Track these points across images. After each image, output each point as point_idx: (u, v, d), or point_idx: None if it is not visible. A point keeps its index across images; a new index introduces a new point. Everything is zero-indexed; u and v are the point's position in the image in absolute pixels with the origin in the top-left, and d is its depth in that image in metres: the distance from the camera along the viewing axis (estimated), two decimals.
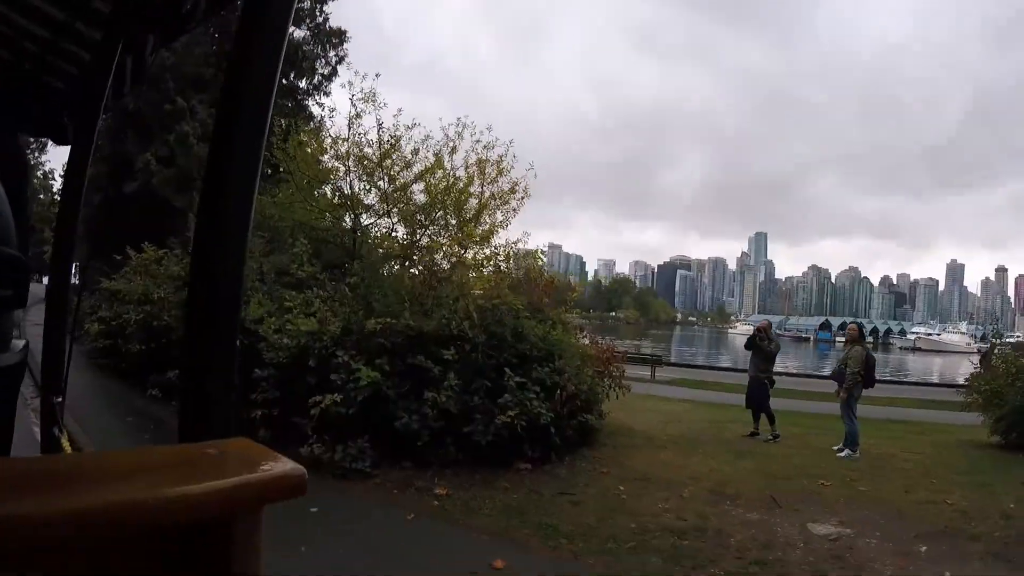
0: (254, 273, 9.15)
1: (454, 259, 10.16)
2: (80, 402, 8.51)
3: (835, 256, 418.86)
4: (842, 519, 6.12)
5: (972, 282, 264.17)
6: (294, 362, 7.28)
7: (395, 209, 10.96)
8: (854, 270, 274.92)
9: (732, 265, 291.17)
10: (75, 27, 2.34)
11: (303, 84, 20.85)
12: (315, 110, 20.21)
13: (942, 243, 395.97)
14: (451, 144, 11.07)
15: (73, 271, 2.96)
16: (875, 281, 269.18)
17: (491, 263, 10.23)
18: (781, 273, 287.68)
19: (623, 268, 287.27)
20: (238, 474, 0.81)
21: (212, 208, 1.17)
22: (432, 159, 11.03)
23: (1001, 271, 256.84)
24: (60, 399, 2.27)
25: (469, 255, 10.39)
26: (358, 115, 10.90)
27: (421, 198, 11.08)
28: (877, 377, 10.21)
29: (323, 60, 20.84)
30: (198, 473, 0.81)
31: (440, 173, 11.05)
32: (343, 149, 11.23)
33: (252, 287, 8.63)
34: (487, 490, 6.50)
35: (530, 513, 5.93)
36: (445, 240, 10.76)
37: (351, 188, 11.27)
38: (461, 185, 10.96)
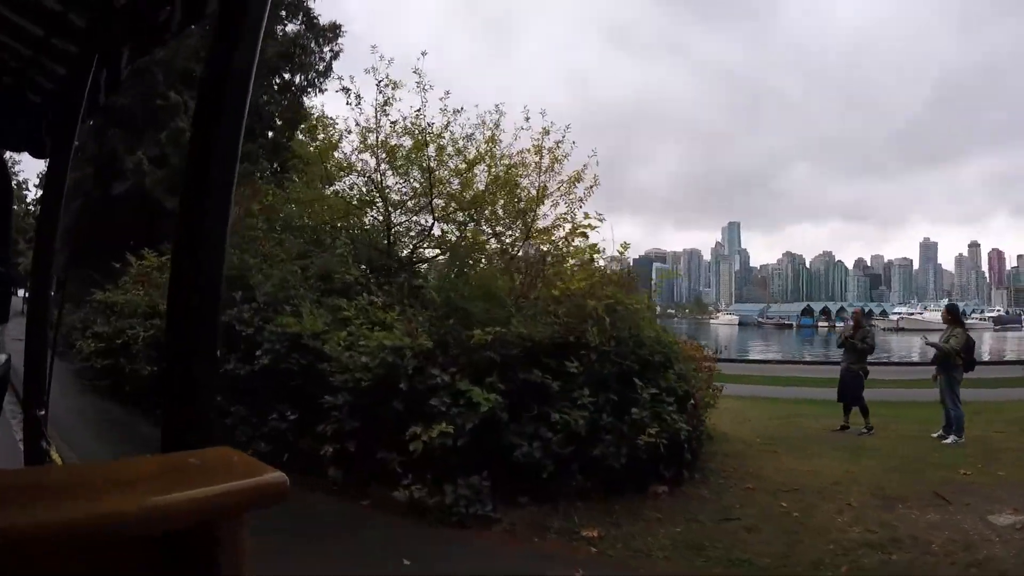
0: (296, 278, 8.09)
1: (542, 253, 8.76)
2: (82, 432, 7.89)
3: (809, 241, 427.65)
4: (1015, 507, 5.84)
5: (946, 259, 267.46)
6: (378, 385, 5.97)
7: (436, 203, 10.02)
8: (828, 254, 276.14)
9: (707, 256, 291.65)
10: (52, 42, 2.34)
11: (299, 79, 20.34)
12: (316, 102, 19.45)
13: (915, 222, 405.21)
14: (493, 130, 10.06)
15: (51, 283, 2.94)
16: (849, 264, 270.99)
17: (582, 256, 8.69)
18: (756, 261, 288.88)
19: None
20: (219, 482, 0.83)
21: (190, 217, 1.19)
22: (479, 147, 10.09)
23: (974, 247, 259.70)
24: (43, 412, 2.27)
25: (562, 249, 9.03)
26: (387, 102, 9.78)
27: (456, 189, 10.19)
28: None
29: (317, 55, 20.37)
30: (180, 483, 0.83)
31: (489, 161, 10.17)
32: (370, 139, 10.11)
33: (297, 295, 7.68)
34: (638, 523, 5.51)
35: (709, 548, 5.12)
36: (508, 234, 9.90)
37: (381, 182, 10.23)
38: (509, 174, 10.07)
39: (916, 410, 10.61)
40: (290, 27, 20.11)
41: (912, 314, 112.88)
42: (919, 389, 12.88)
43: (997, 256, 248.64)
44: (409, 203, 10.39)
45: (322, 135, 11.27)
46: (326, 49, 20.43)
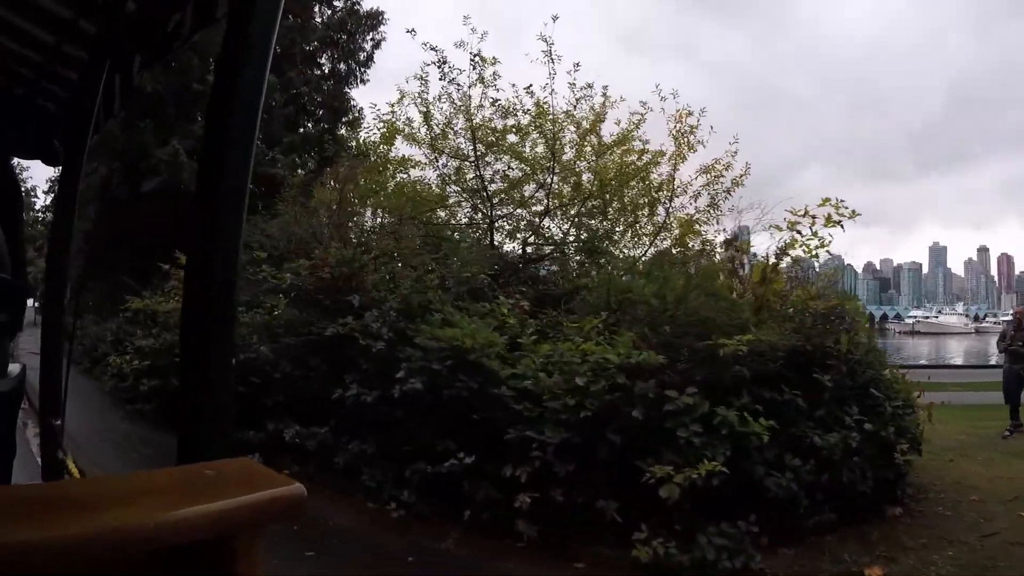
0: (431, 283, 7.01)
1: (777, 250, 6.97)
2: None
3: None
4: None
5: (955, 263, 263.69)
6: (600, 414, 4.78)
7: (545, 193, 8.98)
8: (837, 258, 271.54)
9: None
10: (63, 50, 2.35)
11: (342, 68, 19.18)
12: (355, 95, 18.83)
13: (925, 225, 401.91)
14: (605, 112, 9.01)
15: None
16: (859, 268, 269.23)
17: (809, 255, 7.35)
18: None
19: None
20: (237, 495, 0.81)
21: (203, 228, 1.18)
22: (591, 125, 9.05)
23: (983, 251, 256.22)
24: (59, 421, 2.27)
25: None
26: (480, 80, 8.79)
27: (580, 170, 9.21)
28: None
29: (359, 44, 19.23)
30: (198, 495, 0.81)
31: (617, 145, 9.16)
32: (457, 123, 9.13)
33: (436, 299, 6.52)
34: (906, 553, 4.80)
35: (993, 568, 4.55)
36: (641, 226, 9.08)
37: (480, 169, 9.20)
38: (641, 160, 9.13)
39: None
40: (332, 13, 18.99)
41: (927, 318, 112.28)
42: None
43: (1006, 260, 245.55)
44: (515, 194, 9.36)
45: (374, 127, 10.39)
46: (367, 37, 19.26)
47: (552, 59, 8.62)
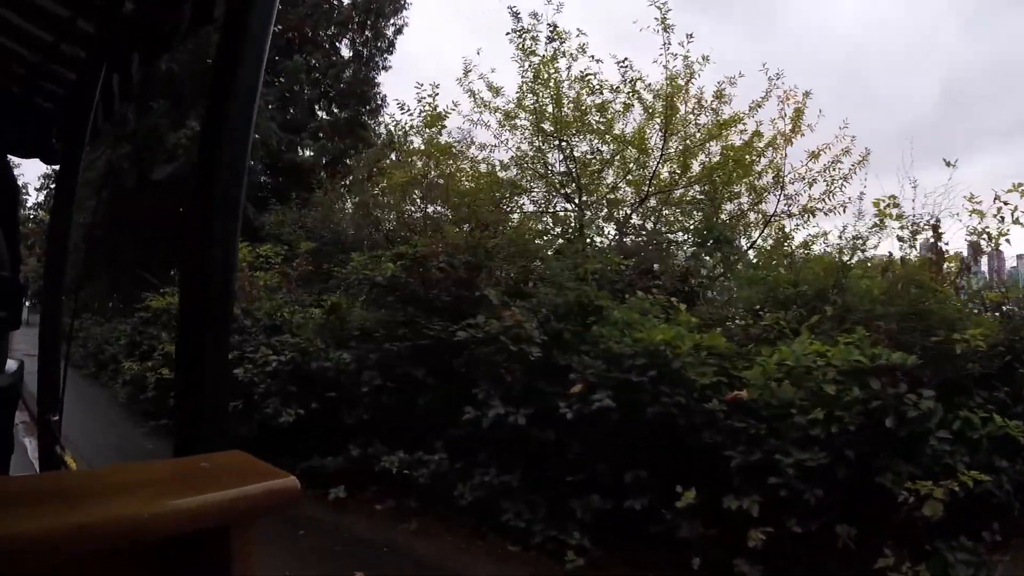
0: (608, 275, 6.03)
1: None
2: None
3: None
4: None
5: None
6: (863, 427, 4.10)
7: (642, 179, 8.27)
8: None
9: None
10: (61, 49, 2.36)
11: (365, 53, 18.43)
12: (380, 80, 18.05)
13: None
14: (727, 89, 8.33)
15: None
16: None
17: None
18: None
19: None
20: (232, 486, 0.83)
21: (200, 226, 1.18)
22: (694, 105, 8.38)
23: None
24: (56, 417, 2.28)
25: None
26: (554, 56, 8.20)
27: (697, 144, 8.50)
28: None
29: (381, 28, 18.56)
30: (193, 487, 0.83)
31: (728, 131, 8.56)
32: (527, 102, 8.53)
33: (598, 295, 5.44)
34: None
35: None
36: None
37: (569, 152, 8.54)
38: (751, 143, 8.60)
39: None
40: None
41: None
42: None
43: (996, 256, 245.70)
44: (606, 178, 8.71)
45: (417, 109, 9.59)
46: (390, 23, 18.54)
47: (666, 27, 8.01)
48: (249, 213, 13.73)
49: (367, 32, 18.20)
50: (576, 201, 8.76)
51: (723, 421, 4.24)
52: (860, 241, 7.12)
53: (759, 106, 8.72)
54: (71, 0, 2.14)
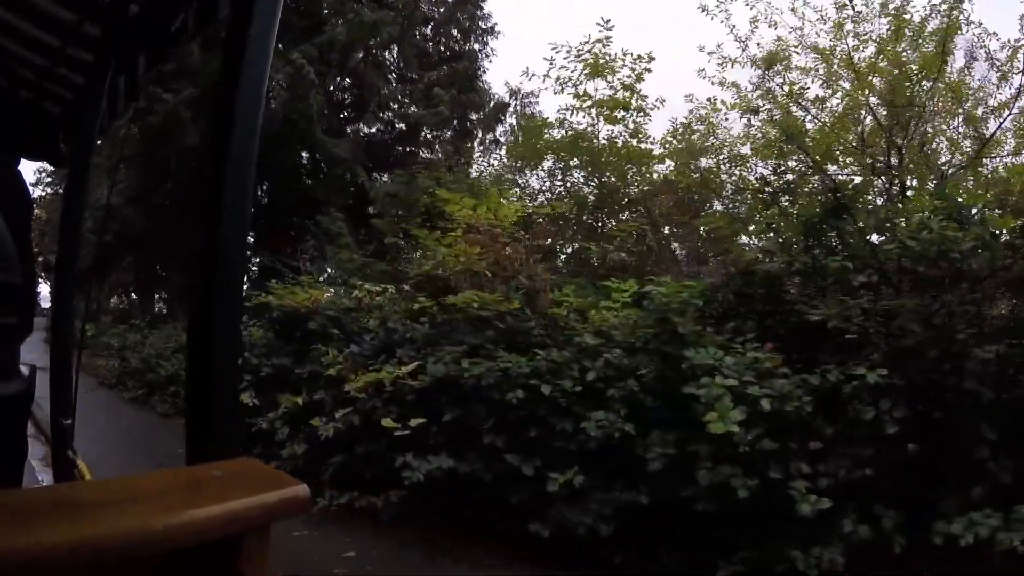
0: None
1: None
2: None
3: None
4: None
5: None
6: None
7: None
8: None
9: None
10: (68, 53, 2.36)
11: (467, 47, 18.11)
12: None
13: None
14: None
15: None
16: None
17: None
18: None
19: None
20: (244, 495, 0.83)
21: (209, 224, 1.17)
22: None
23: None
24: (69, 421, 2.29)
25: None
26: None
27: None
28: None
29: (478, 16, 18.21)
30: (205, 496, 0.83)
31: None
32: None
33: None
34: None
35: None
36: None
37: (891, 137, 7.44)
38: None
39: None
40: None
41: None
42: None
43: None
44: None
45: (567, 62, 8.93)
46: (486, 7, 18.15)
47: None
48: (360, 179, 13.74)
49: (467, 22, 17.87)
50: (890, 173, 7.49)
51: None
52: None
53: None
54: (78, 4, 2.15)
